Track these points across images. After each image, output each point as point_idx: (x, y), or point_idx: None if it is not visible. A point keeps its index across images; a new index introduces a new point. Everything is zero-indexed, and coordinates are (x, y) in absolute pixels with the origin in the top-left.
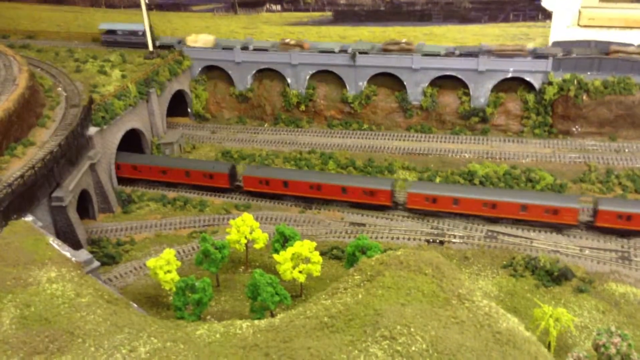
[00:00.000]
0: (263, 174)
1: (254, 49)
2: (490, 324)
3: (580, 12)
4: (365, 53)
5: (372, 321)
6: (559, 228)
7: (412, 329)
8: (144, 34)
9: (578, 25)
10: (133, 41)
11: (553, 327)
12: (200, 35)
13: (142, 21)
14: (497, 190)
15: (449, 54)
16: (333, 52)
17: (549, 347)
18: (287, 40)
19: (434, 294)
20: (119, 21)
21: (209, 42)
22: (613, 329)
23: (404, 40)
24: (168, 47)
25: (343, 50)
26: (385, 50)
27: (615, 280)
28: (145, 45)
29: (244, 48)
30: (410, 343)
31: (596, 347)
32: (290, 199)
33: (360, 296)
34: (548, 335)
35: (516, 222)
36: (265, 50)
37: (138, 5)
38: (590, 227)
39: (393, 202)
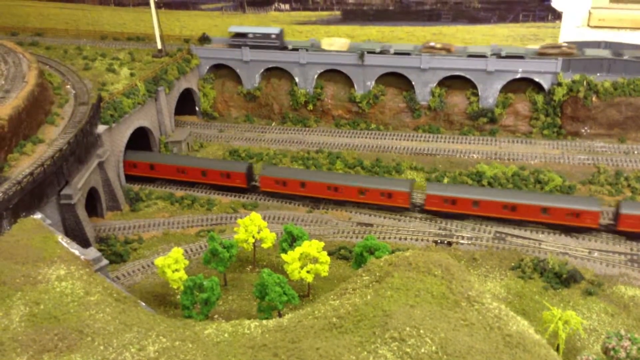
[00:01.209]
0: (280, 175)
1: (395, 53)
2: (500, 326)
3: (590, 12)
4: (521, 57)
5: (381, 322)
6: (578, 231)
7: (421, 331)
8: (277, 36)
9: (588, 25)
10: (265, 44)
11: (562, 329)
12: (335, 38)
13: (151, 19)
14: (518, 192)
15: (495, 54)
16: (485, 56)
17: (557, 349)
18: (431, 44)
19: (444, 296)
20: (127, 19)
21: (344, 46)
22: (623, 332)
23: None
24: (297, 49)
25: (495, 54)
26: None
27: (624, 283)
28: (279, 48)
29: (383, 52)
30: (419, 345)
31: (605, 351)
32: (306, 200)
33: (369, 297)
34: (557, 338)
35: (530, 224)
36: (408, 54)
37: (147, 4)
38: (612, 230)
39: (411, 204)
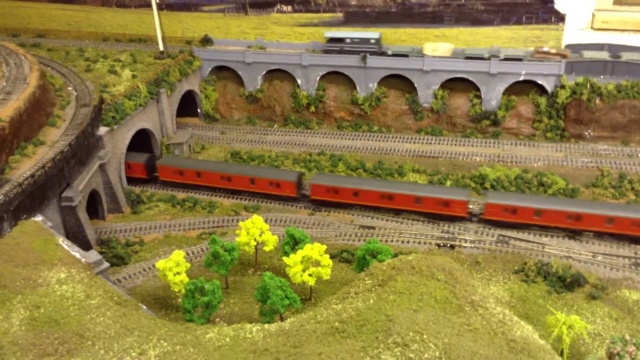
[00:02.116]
0: (332, 183)
1: (505, 59)
2: (504, 331)
3: (593, 15)
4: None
5: (384, 327)
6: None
7: (425, 336)
8: (377, 42)
9: (591, 28)
10: (364, 50)
11: (566, 334)
12: (440, 43)
13: (154, 21)
14: (581, 201)
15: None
16: (520, 59)
17: (561, 354)
18: (545, 49)
19: (447, 300)
20: (128, 20)
21: (448, 51)
22: (628, 337)
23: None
24: (403, 55)
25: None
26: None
27: (628, 287)
28: (378, 53)
29: (495, 56)
30: (423, 350)
31: (610, 356)
32: (359, 209)
33: (371, 301)
34: (561, 342)
35: (528, 227)
36: (519, 60)
37: (149, 5)
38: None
39: (468, 213)
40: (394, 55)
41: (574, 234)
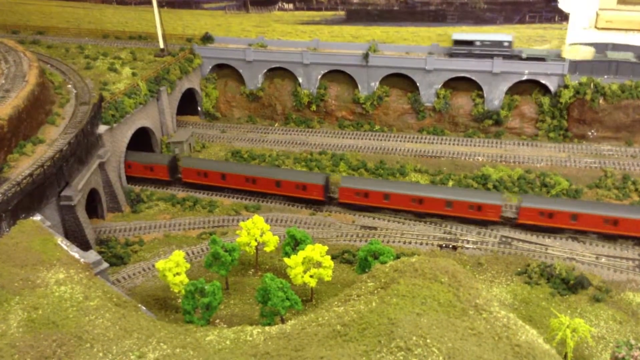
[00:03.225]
0: (362, 186)
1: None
2: (508, 336)
3: (597, 14)
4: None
5: (386, 331)
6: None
7: (428, 340)
8: (510, 44)
9: (595, 27)
10: (495, 53)
11: (570, 338)
12: (581, 46)
13: (154, 18)
14: (619, 206)
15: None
16: (544, 59)
17: (565, 358)
18: None
19: (451, 304)
20: (129, 17)
21: (589, 54)
22: (633, 341)
23: None
24: (539, 59)
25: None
26: None
27: (632, 289)
28: (511, 57)
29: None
30: (426, 355)
31: None
32: (389, 213)
33: (374, 304)
34: (565, 346)
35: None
36: (542, 60)
37: (149, 2)
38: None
39: (501, 217)
40: (528, 59)
41: (610, 238)
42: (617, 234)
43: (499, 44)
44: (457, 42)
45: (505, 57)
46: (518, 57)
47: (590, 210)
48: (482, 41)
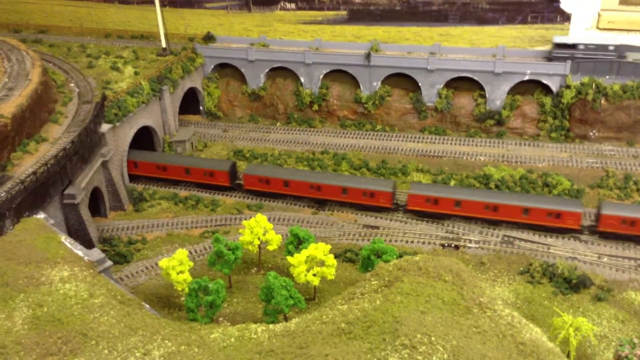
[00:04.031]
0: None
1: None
2: (513, 334)
3: (599, 14)
4: None
5: (391, 329)
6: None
7: (432, 338)
8: (616, 48)
9: (597, 28)
10: (600, 58)
11: (573, 336)
12: None
13: (156, 18)
14: (498, 193)
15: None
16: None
17: (568, 356)
18: None
19: (455, 302)
20: (131, 16)
21: None
22: (636, 340)
23: None
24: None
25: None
26: None
27: (634, 288)
28: (617, 62)
29: None
30: (431, 353)
31: (618, 358)
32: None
33: (378, 302)
34: (567, 344)
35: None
36: None
37: (151, 2)
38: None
39: (393, 204)
40: (635, 62)
41: (492, 224)
42: (497, 220)
43: (604, 47)
44: (559, 46)
45: (611, 62)
46: (624, 63)
47: (472, 197)
48: (586, 45)
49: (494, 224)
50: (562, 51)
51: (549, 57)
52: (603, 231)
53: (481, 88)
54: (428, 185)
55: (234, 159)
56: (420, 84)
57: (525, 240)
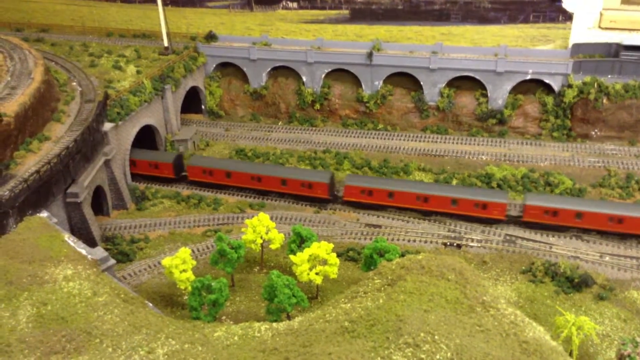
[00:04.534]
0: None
1: None
2: (516, 332)
3: (601, 14)
4: None
5: (394, 327)
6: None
7: (436, 337)
8: None
9: (599, 27)
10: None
11: (575, 335)
12: None
13: (158, 17)
14: (429, 184)
15: None
16: None
17: (570, 355)
18: None
19: (458, 301)
20: (133, 15)
21: None
22: (638, 339)
23: None
24: None
25: None
26: None
27: (636, 288)
28: None
29: None
30: (434, 351)
31: (621, 357)
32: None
33: (381, 301)
34: (570, 343)
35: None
36: None
37: (153, 1)
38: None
39: (330, 195)
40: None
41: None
42: (429, 210)
43: None
44: (628, 48)
45: (614, 61)
46: (626, 62)
47: (404, 188)
48: None
49: (426, 214)
50: (632, 53)
51: (618, 60)
52: (528, 221)
53: (483, 87)
54: (362, 177)
55: (236, 158)
56: (422, 83)
57: (528, 239)
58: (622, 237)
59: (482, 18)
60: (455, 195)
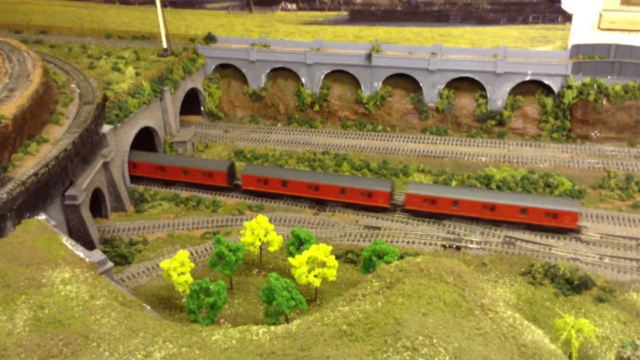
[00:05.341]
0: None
1: None
2: (515, 336)
3: (600, 15)
4: None
5: (392, 331)
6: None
7: (434, 340)
8: None
9: (598, 28)
10: None
11: (575, 338)
12: None
13: (157, 18)
14: (344, 177)
15: None
16: None
17: (570, 358)
18: None
19: (456, 304)
20: (132, 17)
21: None
22: (638, 341)
23: None
24: None
25: None
26: None
27: (636, 290)
28: None
29: None
30: (432, 355)
31: None
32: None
33: (379, 304)
34: (569, 346)
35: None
36: None
37: (152, 2)
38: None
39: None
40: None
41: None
42: (347, 202)
43: None
44: None
45: (614, 62)
46: (625, 63)
47: (296, 177)
48: None
49: (318, 202)
50: None
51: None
52: (410, 209)
53: (482, 88)
54: (259, 167)
55: (235, 160)
56: (421, 85)
57: (527, 241)
58: (495, 224)
59: (481, 19)
60: (344, 184)
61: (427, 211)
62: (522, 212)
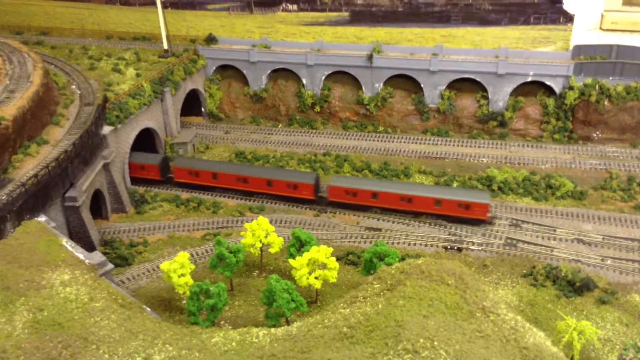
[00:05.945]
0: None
1: None
2: (516, 338)
3: (602, 15)
4: None
5: (393, 333)
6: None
7: (435, 343)
8: None
9: (600, 29)
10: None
11: (577, 340)
12: None
13: (158, 19)
14: (295, 172)
15: None
16: None
17: None
18: None
19: (458, 306)
20: (133, 18)
21: None
22: None
23: None
24: None
25: None
26: None
27: (638, 291)
28: None
29: None
30: (433, 357)
31: None
32: None
33: (380, 306)
34: (571, 348)
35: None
36: None
37: (153, 3)
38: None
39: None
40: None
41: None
42: (296, 197)
43: None
44: None
45: (616, 63)
46: (627, 64)
47: (256, 174)
48: None
49: (246, 194)
50: None
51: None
52: (333, 201)
53: (484, 89)
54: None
55: (236, 161)
56: (422, 85)
57: (529, 243)
58: (415, 215)
59: (482, 20)
60: (270, 177)
61: (349, 203)
62: (436, 203)
